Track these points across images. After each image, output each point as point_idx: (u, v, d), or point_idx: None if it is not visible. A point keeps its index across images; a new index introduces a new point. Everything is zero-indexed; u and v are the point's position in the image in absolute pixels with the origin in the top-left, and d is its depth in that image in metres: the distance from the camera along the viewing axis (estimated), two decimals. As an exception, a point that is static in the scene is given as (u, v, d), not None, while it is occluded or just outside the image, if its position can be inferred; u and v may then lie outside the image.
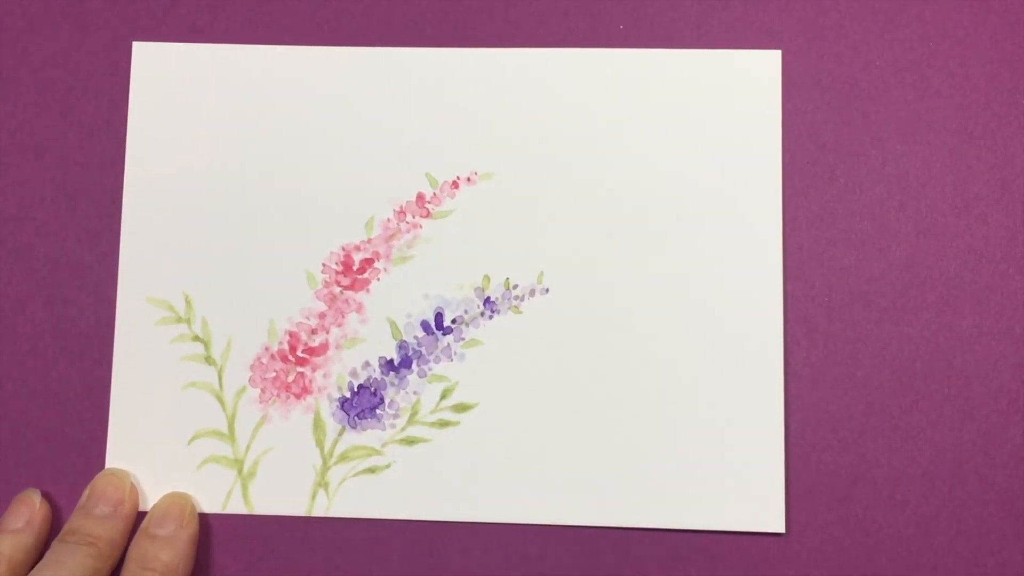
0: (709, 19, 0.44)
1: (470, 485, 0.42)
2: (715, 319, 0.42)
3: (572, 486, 0.42)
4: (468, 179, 0.44)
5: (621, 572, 0.42)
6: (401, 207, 0.43)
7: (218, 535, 0.43)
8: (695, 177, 0.43)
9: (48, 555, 0.40)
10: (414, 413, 0.42)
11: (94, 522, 0.41)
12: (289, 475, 0.42)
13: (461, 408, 0.42)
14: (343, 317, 0.43)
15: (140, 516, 0.42)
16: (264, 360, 0.43)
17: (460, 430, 0.42)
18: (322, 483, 0.42)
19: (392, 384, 0.43)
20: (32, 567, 0.41)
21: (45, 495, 0.42)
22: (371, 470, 0.42)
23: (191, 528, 0.41)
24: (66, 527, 0.41)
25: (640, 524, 0.41)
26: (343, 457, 0.42)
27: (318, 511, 0.42)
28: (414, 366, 0.43)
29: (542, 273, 0.43)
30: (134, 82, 0.45)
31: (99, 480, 0.42)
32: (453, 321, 0.43)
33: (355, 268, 0.43)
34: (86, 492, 0.42)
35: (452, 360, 0.43)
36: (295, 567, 0.42)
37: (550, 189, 0.43)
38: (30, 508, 0.42)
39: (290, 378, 0.43)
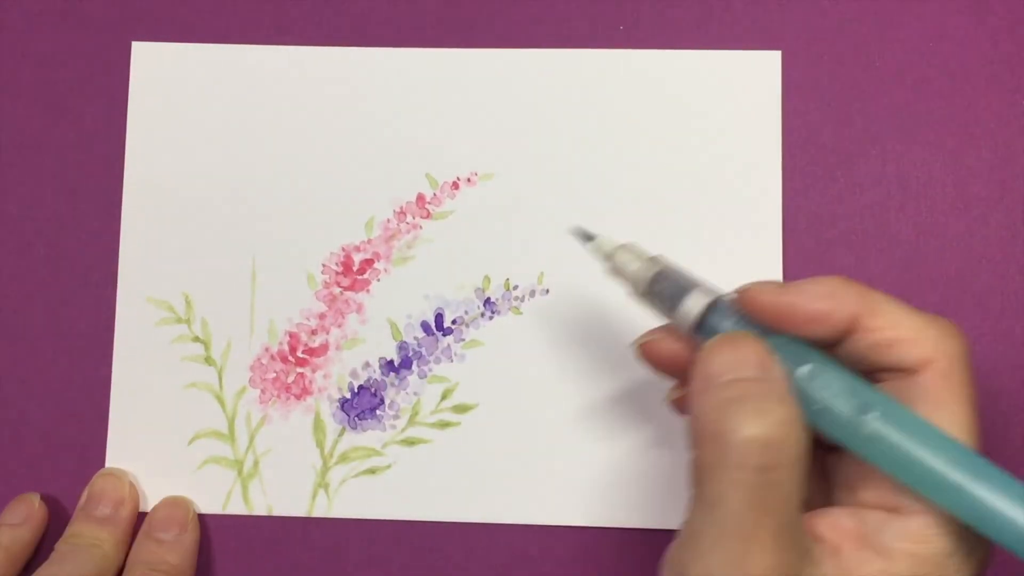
0: (709, 19, 0.44)
1: (470, 485, 0.42)
2: (715, 319, 0.42)
3: (572, 486, 0.42)
4: (468, 179, 0.44)
5: (621, 572, 0.42)
6: (401, 207, 0.43)
7: (218, 535, 0.43)
8: (695, 177, 0.43)
9: (52, 556, 0.40)
10: (414, 414, 0.43)
11: (96, 524, 0.41)
12: (289, 475, 0.42)
13: (461, 409, 0.42)
14: (343, 318, 0.43)
15: (140, 516, 0.42)
16: (264, 361, 0.43)
17: (460, 431, 0.42)
18: (322, 484, 0.42)
19: (392, 385, 0.43)
20: (28, 563, 0.41)
21: (44, 499, 0.42)
22: (371, 471, 0.42)
23: (194, 533, 0.42)
24: (68, 530, 0.41)
25: (640, 524, 0.41)
26: (343, 458, 0.42)
27: (318, 511, 0.42)
28: (414, 367, 0.43)
29: (542, 273, 0.43)
30: (134, 82, 0.45)
31: (98, 481, 0.42)
32: (453, 322, 0.43)
33: (355, 269, 0.43)
34: (85, 493, 0.42)
35: (452, 361, 0.43)
36: (295, 567, 0.42)
37: (550, 189, 0.43)
38: (29, 507, 0.42)
39: (290, 379, 0.43)
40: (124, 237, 0.44)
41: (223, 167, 0.44)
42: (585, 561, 0.42)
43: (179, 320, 0.43)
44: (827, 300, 0.30)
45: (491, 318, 0.43)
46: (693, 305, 0.31)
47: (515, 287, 0.43)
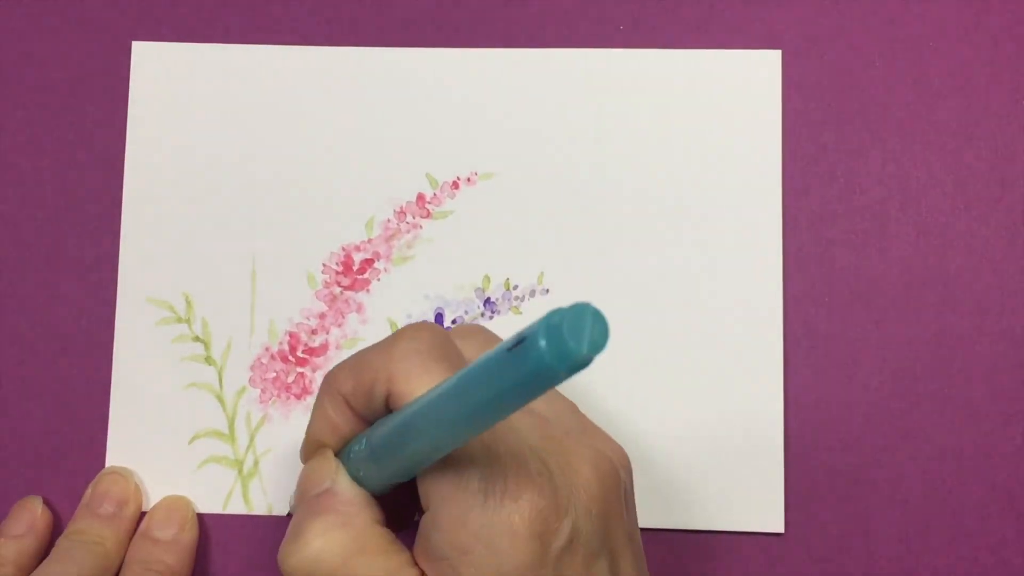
0: (709, 19, 0.44)
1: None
2: (715, 319, 0.42)
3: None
4: (468, 179, 0.44)
5: (621, 572, 0.41)
6: (401, 207, 0.43)
7: (218, 535, 0.43)
8: (695, 177, 0.43)
9: (54, 552, 0.40)
10: (414, 413, 0.42)
11: (100, 522, 0.41)
12: (289, 475, 0.42)
13: (461, 408, 0.42)
14: (343, 317, 0.43)
15: (142, 516, 0.42)
16: (264, 360, 0.43)
17: (460, 430, 0.42)
18: (322, 483, 0.42)
19: (392, 384, 0.43)
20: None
21: (46, 502, 0.42)
22: (371, 470, 0.42)
23: (192, 532, 0.41)
24: (71, 526, 0.41)
25: (640, 524, 0.41)
26: (343, 457, 0.42)
27: (318, 511, 0.42)
28: (414, 366, 0.43)
29: (542, 273, 0.43)
30: (134, 82, 0.45)
31: (103, 479, 0.42)
32: (453, 322, 0.43)
33: (355, 268, 0.43)
34: (89, 490, 0.42)
35: (452, 360, 0.43)
36: (295, 567, 0.42)
37: (550, 189, 0.43)
38: (32, 514, 0.41)
39: (290, 378, 0.43)
40: (124, 237, 0.44)
41: (223, 167, 0.44)
42: (585, 561, 0.42)
43: (179, 320, 0.43)
44: (331, 415, 0.33)
45: (491, 318, 0.43)
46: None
47: (515, 287, 0.43)
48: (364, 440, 0.32)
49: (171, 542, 0.41)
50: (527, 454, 0.31)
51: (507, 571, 0.30)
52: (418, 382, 0.31)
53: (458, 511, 0.30)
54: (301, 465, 0.43)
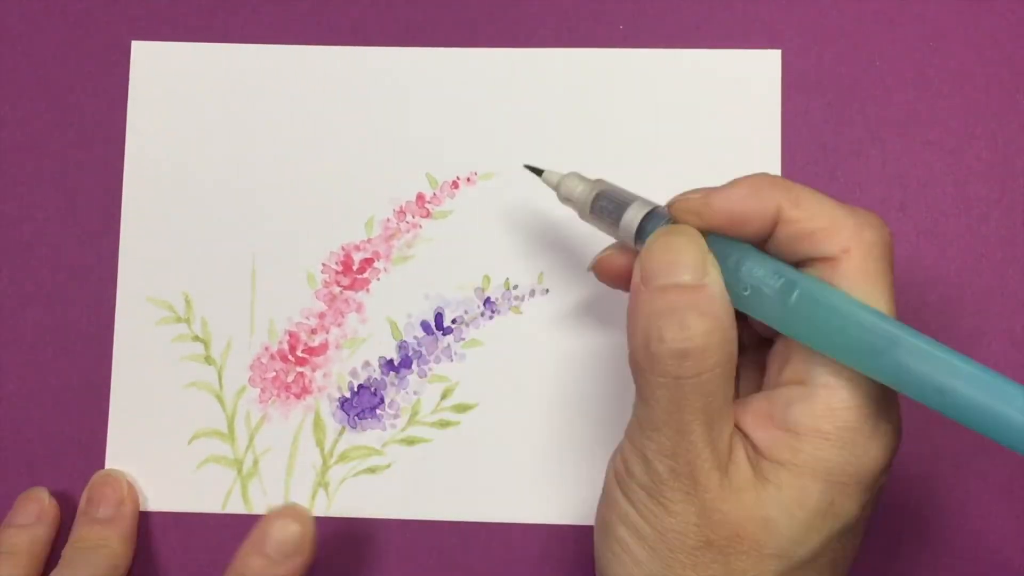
0: (709, 19, 0.44)
1: (470, 485, 0.42)
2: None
3: (572, 486, 0.42)
4: (468, 179, 0.44)
5: (621, 572, 0.41)
6: (401, 207, 0.44)
7: (218, 535, 0.43)
8: (695, 177, 0.43)
9: (61, 562, 0.40)
10: (414, 413, 0.43)
11: (100, 526, 0.41)
12: (289, 475, 0.42)
13: (461, 408, 0.42)
14: (343, 317, 0.43)
15: (141, 516, 0.42)
16: (264, 360, 0.43)
17: (460, 430, 0.42)
18: (322, 483, 0.42)
19: (392, 384, 0.43)
20: (48, 561, 0.41)
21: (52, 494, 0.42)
22: (371, 470, 0.42)
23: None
24: (73, 534, 0.41)
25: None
26: (343, 457, 0.42)
27: (318, 511, 0.42)
28: (414, 366, 0.43)
29: (542, 273, 0.43)
30: (133, 81, 0.45)
31: (95, 485, 0.42)
32: (453, 321, 0.43)
33: (355, 268, 0.43)
34: (84, 497, 0.42)
35: (452, 360, 0.43)
36: (295, 567, 0.42)
37: (550, 189, 0.43)
38: (39, 504, 0.42)
39: (290, 378, 0.43)
40: (124, 237, 0.44)
41: (223, 167, 0.44)
42: (585, 561, 0.42)
43: (179, 320, 0.43)
44: (751, 199, 0.31)
45: (491, 318, 0.43)
46: (633, 217, 0.34)
47: (515, 287, 0.43)
48: (780, 274, 0.31)
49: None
50: (893, 403, 0.31)
51: (832, 478, 0.30)
52: (873, 288, 0.30)
53: (835, 416, 0.30)
54: (301, 463, 0.43)
